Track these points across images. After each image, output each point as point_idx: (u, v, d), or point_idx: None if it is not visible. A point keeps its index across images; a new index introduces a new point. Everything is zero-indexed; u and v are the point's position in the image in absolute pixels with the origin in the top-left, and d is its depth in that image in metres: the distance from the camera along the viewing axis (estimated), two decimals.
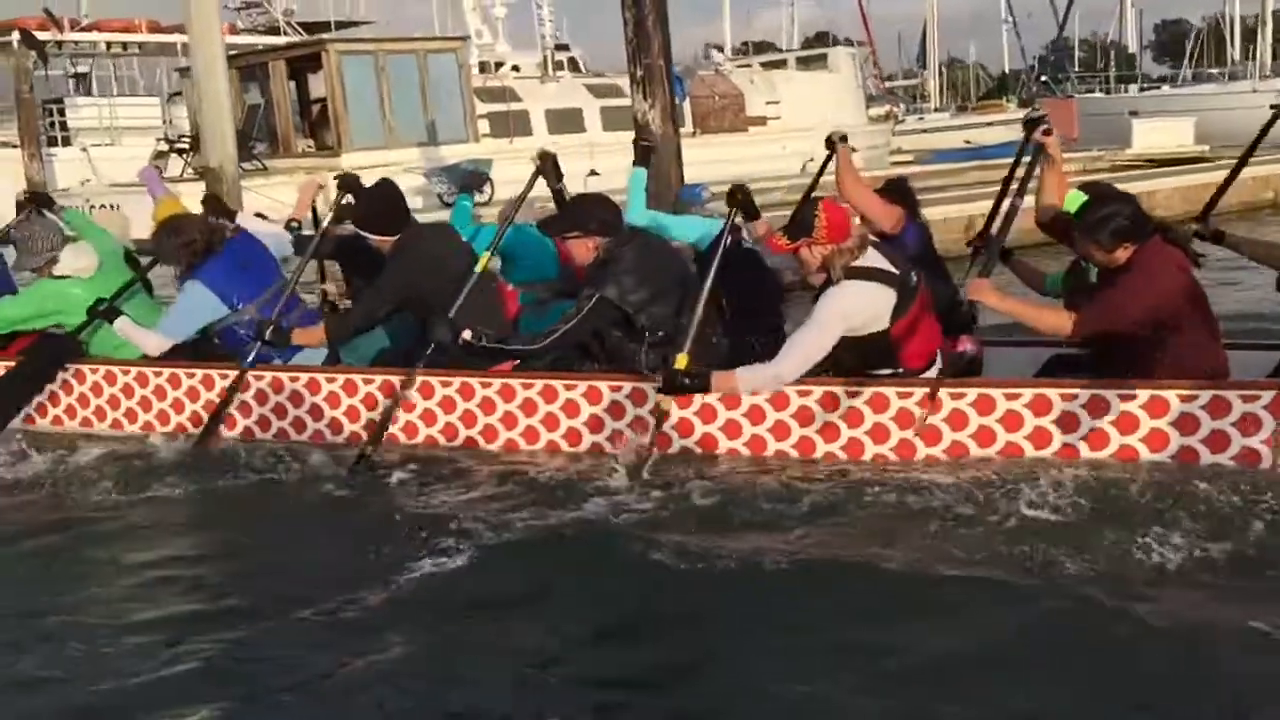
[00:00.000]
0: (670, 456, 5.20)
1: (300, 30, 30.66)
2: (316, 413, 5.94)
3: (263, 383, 5.95)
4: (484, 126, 20.55)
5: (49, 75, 25.97)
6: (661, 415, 5.07)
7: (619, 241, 5.29)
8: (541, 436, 5.53)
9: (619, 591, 4.04)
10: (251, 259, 6.07)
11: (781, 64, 28.30)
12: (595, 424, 5.41)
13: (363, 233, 5.80)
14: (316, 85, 21.03)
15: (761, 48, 46.65)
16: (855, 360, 4.85)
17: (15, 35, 23.02)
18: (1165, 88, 38.69)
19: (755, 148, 22.99)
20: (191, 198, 16.70)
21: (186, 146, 19.59)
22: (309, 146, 20.72)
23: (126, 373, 6.26)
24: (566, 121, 21.70)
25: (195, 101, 20.88)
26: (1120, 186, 5.30)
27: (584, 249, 5.34)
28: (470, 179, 7.23)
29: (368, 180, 6.09)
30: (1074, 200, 4.80)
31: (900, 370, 4.87)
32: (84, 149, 23.67)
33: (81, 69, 28.83)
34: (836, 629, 3.65)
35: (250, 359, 5.86)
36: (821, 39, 48.53)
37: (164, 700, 3.45)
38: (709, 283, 5.00)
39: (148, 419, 6.25)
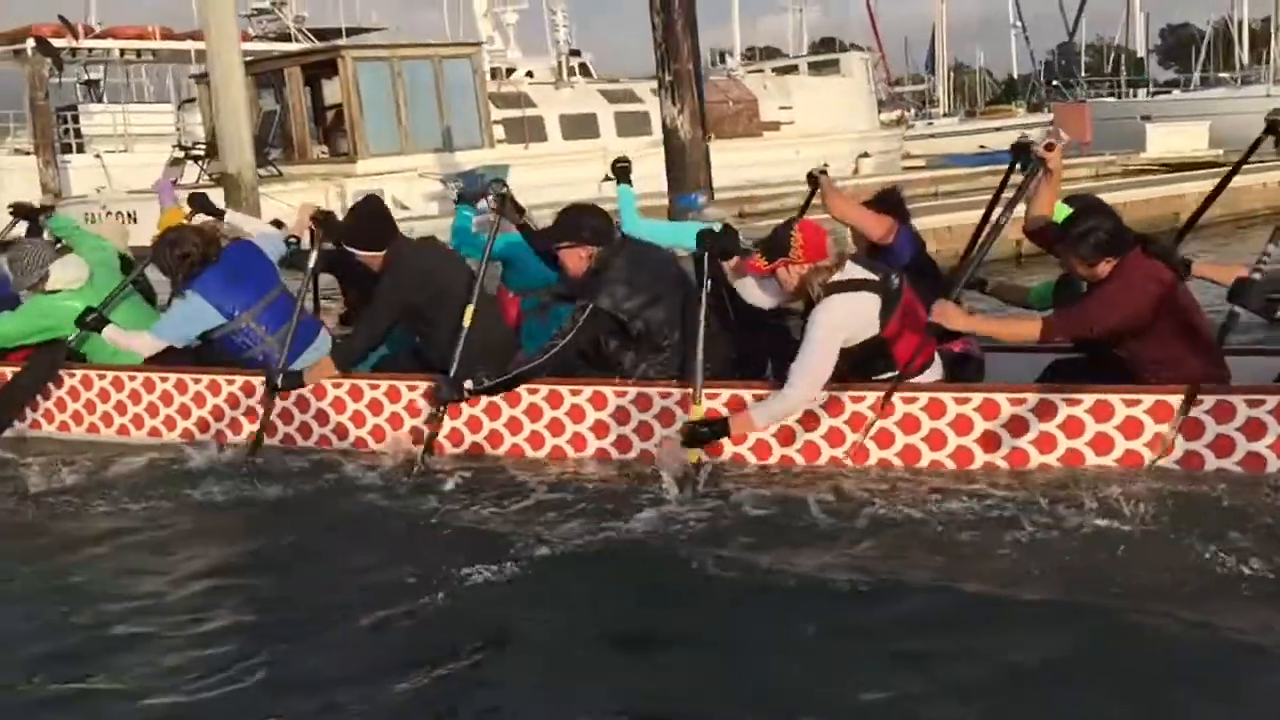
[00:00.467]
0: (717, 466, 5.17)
1: (311, 37, 30.64)
2: (359, 419, 5.91)
3: (305, 389, 5.94)
4: (499, 132, 20.53)
5: (61, 82, 25.99)
6: (698, 462, 5.03)
7: (611, 250, 5.31)
8: (589, 444, 5.50)
9: (666, 603, 3.99)
10: (248, 267, 6.10)
11: (793, 69, 28.31)
12: (645, 431, 5.38)
13: (350, 249, 5.81)
14: (331, 91, 21.01)
15: (767, 53, 46.64)
16: (855, 368, 4.90)
17: (30, 42, 23.07)
18: (1176, 92, 38.64)
19: (768, 153, 22.94)
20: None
21: (202, 153, 19.58)
22: (323, 153, 20.71)
23: (165, 380, 6.26)
24: (581, 127, 21.68)
25: (208, 108, 20.96)
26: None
27: (576, 258, 5.35)
28: (468, 193, 7.16)
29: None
30: (1063, 213, 4.92)
31: (899, 372, 4.90)
32: (98, 156, 23.68)
33: (93, 76, 28.85)
34: (896, 642, 3.60)
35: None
36: (827, 44, 48.51)
37: (216, 710, 3.44)
38: (701, 328, 5.01)
39: (187, 426, 6.24)
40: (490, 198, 5.67)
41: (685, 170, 9.15)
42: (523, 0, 28.23)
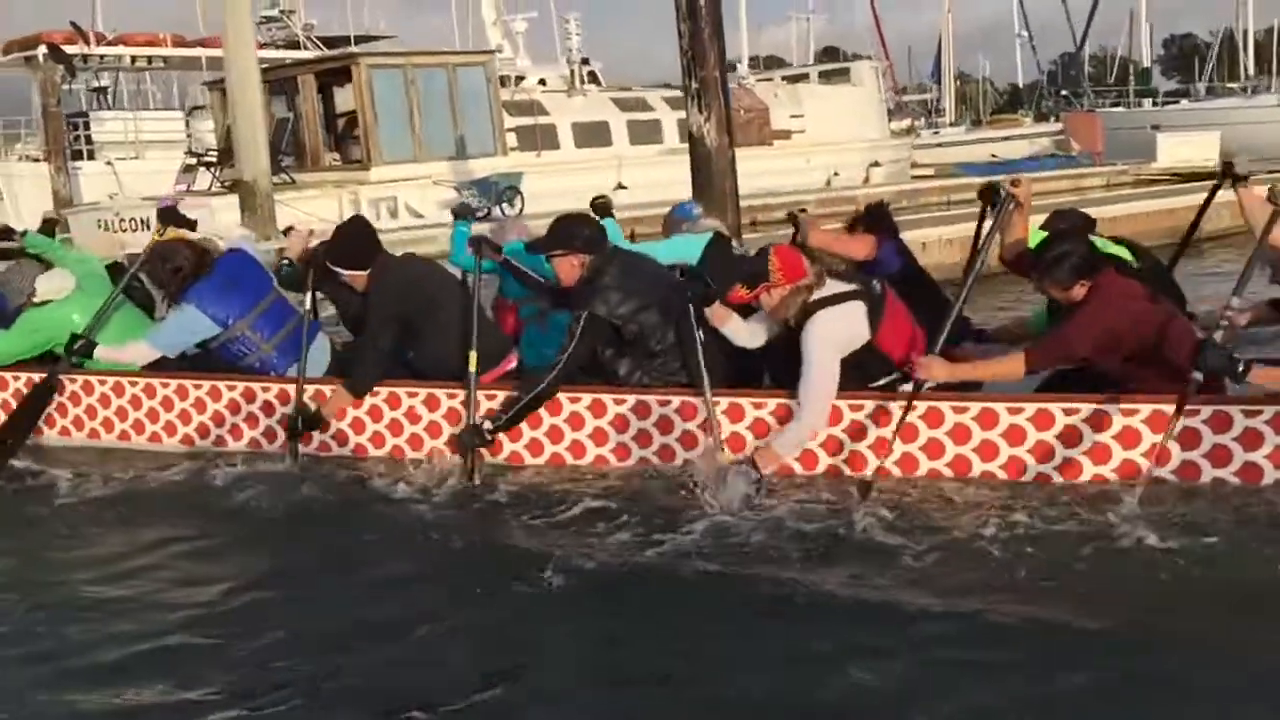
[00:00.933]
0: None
1: (319, 45, 30.65)
2: (396, 428, 5.86)
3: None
4: (511, 140, 20.51)
5: (72, 89, 25.98)
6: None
7: (603, 258, 5.36)
8: (633, 453, 5.45)
9: (704, 619, 3.92)
10: (241, 276, 6.12)
11: (803, 77, 28.28)
12: (689, 440, 5.35)
13: (334, 268, 5.83)
14: (343, 99, 21.01)
15: (769, 62, 46.67)
16: (853, 375, 4.97)
17: (42, 49, 23.06)
18: (1184, 102, 38.61)
19: (780, 161, 22.92)
20: (222, 211, 16.83)
21: (214, 160, 19.55)
22: (335, 160, 20.69)
23: (199, 387, 6.22)
24: (593, 135, 21.68)
25: (220, 115, 20.94)
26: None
27: (568, 266, 5.39)
28: (463, 207, 7.27)
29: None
30: (1038, 237, 5.01)
31: (898, 374, 4.96)
32: (109, 163, 23.66)
33: (102, 83, 28.83)
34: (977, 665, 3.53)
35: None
36: (831, 54, 48.56)
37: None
38: (705, 375, 5.15)
39: (220, 433, 6.21)
40: (470, 249, 5.73)
41: (711, 177, 9.09)
42: (532, 9, 28.33)
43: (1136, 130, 29.84)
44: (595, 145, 21.45)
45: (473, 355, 5.45)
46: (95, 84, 27.95)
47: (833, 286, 4.96)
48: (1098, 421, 4.85)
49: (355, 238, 5.89)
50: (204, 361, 6.19)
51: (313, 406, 5.80)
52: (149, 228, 17.50)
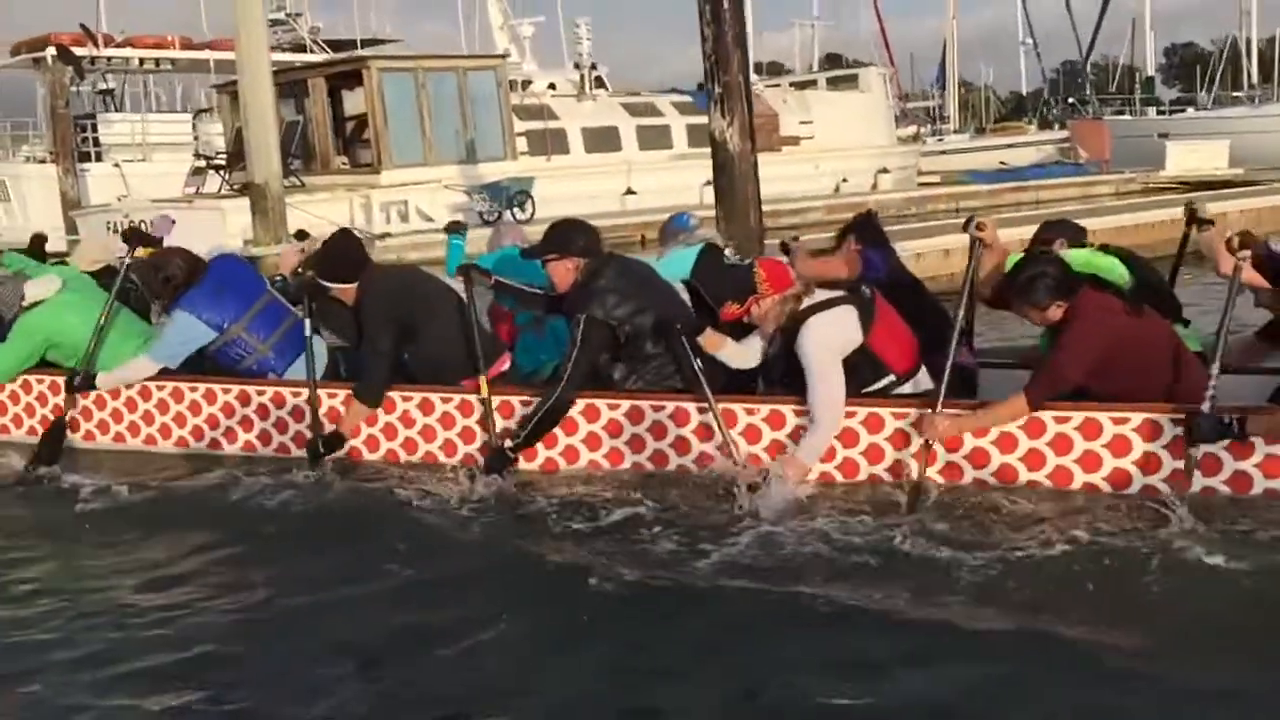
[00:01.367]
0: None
1: (326, 48, 30.63)
2: (429, 434, 5.79)
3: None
4: (521, 144, 20.47)
5: (80, 91, 25.92)
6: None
7: (599, 262, 5.37)
8: (671, 460, 5.39)
9: (741, 634, 3.84)
10: (233, 279, 6.17)
11: (812, 84, 28.26)
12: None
13: (323, 282, 5.83)
14: (352, 103, 20.96)
15: (771, 69, 46.68)
16: (851, 380, 4.98)
17: (51, 50, 23.00)
18: (1190, 110, 38.61)
19: (789, 167, 22.87)
20: (233, 214, 16.78)
21: (223, 163, 19.49)
22: (343, 163, 20.63)
23: (228, 391, 6.16)
24: (603, 140, 21.64)
25: (229, 117, 20.89)
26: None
27: (563, 270, 5.39)
28: (454, 224, 7.33)
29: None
30: (1014, 260, 5.00)
31: (894, 376, 5.00)
32: (117, 165, 23.59)
33: (109, 85, 28.76)
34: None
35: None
36: (834, 61, 48.52)
37: None
38: (711, 397, 5.17)
39: (249, 438, 6.15)
40: (460, 278, 5.72)
41: (733, 182, 9.03)
42: (538, 13, 28.30)
43: (1143, 138, 29.84)
44: (605, 150, 21.42)
45: (483, 380, 5.48)
46: (102, 86, 27.87)
47: (822, 294, 5.02)
48: (1148, 431, 4.78)
49: (342, 252, 5.89)
50: (201, 367, 6.17)
51: (329, 426, 5.77)
52: (173, 218, 17.53)
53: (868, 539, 4.49)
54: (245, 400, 6.12)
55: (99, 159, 24.15)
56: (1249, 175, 23.32)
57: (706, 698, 3.44)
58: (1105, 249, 5.73)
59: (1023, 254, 5.19)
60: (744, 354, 5.31)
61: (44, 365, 6.46)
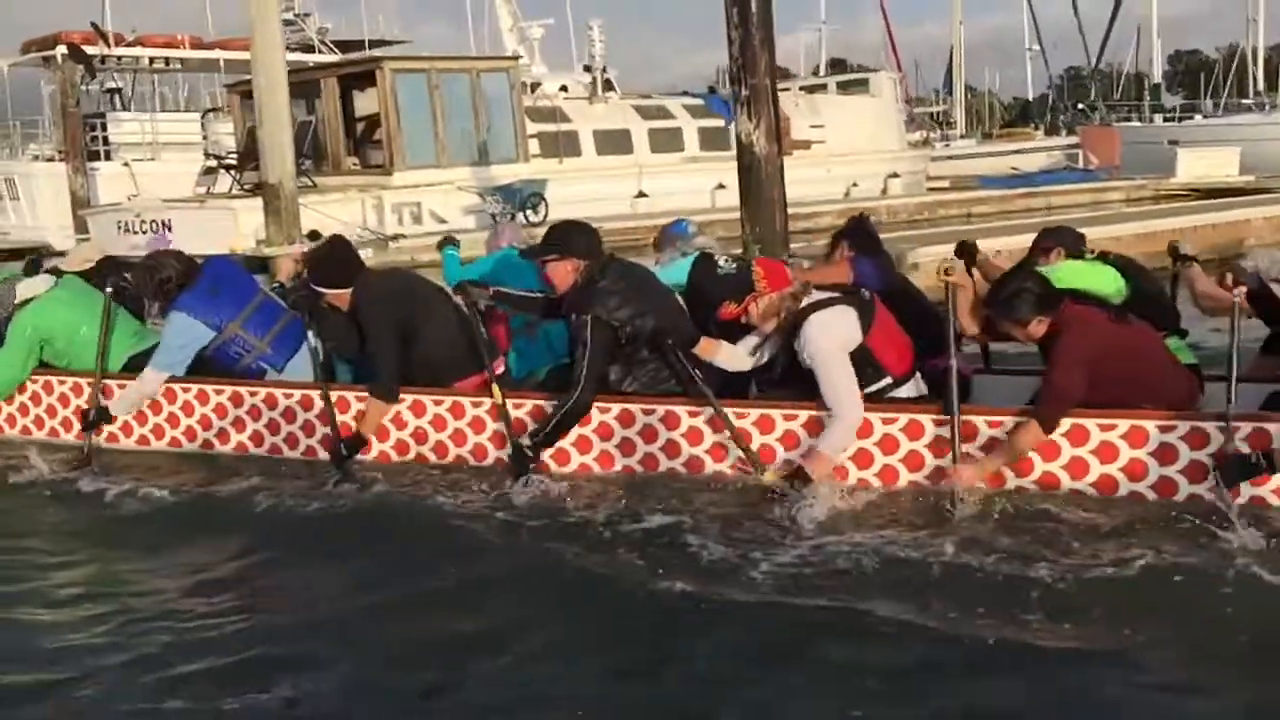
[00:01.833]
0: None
1: (334, 49, 30.60)
2: (460, 437, 5.74)
3: (404, 405, 5.79)
4: (533, 146, 20.41)
5: (89, 90, 25.87)
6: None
7: (600, 264, 5.36)
8: (707, 466, 5.35)
9: (775, 649, 3.77)
10: (227, 279, 6.21)
11: (822, 87, 28.19)
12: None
13: (318, 289, 5.83)
14: (362, 103, 20.87)
15: (778, 73, 46.40)
16: None
17: (61, 49, 22.97)
18: (1198, 117, 38.58)
19: (800, 171, 22.66)
20: (245, 214, 16.71)
21: (234, 163, 19.42)
22: (354, 164, 20.55)
23: (255, 394, 6.12)
24: (614, 143, 21.56)
25: (240, 117, 20.82)
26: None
27: (563, 271, 5.37)
28: (446, 239, 7.38)
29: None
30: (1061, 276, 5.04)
31: (891, 379, 5.01)
32: (126, 164, 23.54)
33: (116, 84, 28.73)
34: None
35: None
36: (838, 65, 48.47)
37: None
38: (714, 401, 5.19)
39: (276, 441, 6.10)
40: (458, 296, 5.72)
41: (760, 185, 9.01)
42: (546, 15, 28.25)
43: (1153, 145, 29.79)
44: (617, 153, 21.34)
45: (496, 389, 5.48)
46: (110, 85, 27.83)
47: (819, 294, 5.06)
48: (1194, 439, 4.74)
49: (335, 257, 5.89)
50: (201, 368, 6.17)
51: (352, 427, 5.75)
52: (169, 229, 17.47)
53: (916, 551, 4.41)
54: (262, 401, 6.08)
55: (108, 158, 24.11)
56: (1260, 183, 23.25)
57: (748, 712, 3.38)
58: (1105, 257, 5.70)
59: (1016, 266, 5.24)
60: (739, 357, 5.31)
61: (61, 367, 6.43)
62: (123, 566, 4.77)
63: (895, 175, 25.06)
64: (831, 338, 4.93)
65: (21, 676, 3.70)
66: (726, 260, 6.04)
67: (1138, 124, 34.96)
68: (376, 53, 24.04)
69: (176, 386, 6.25)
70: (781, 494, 4.94)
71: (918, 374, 5.16)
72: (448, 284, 6.44)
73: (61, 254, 8.08)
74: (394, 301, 5.73)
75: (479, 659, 3.78)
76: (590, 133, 21.34)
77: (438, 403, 5.73)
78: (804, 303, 5.00)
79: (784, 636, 3.81)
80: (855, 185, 24.18)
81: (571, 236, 5.45)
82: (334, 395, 5.82)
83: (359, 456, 5.77)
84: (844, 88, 27.94)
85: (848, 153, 24.23)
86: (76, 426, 6.37)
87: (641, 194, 20.81)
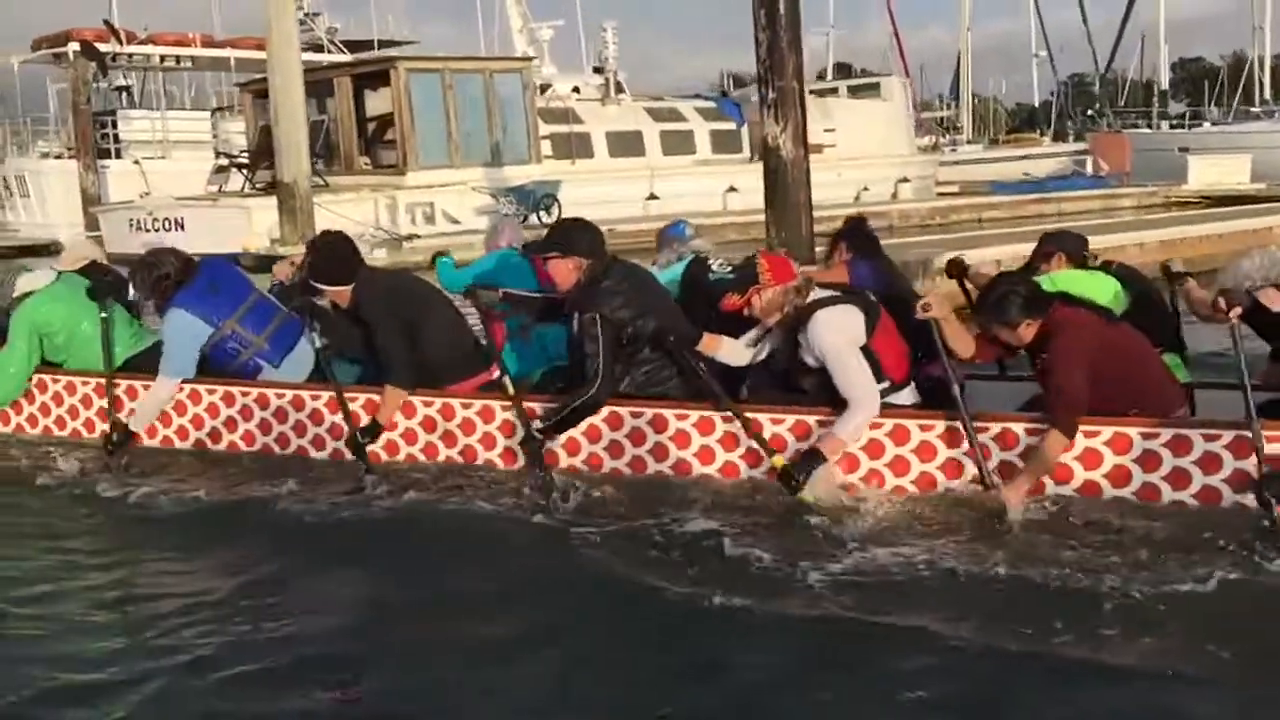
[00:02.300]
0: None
1: (343, 49, 30.63)
2: (489, 441, 5.71)
3: (432, 409, 5.76)
4: (546, 148, 20.42)
5: (100, 87, 25.90)
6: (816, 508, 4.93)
7: (603, 264, 5.33)
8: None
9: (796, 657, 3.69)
10: (223, 279, 6.20)
11: (833, 91, 28.21)
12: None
13: (316, 284, 5.79)
14: (374, 103, 20.89)
15: None
16: None
17: (73, 46, 22.98)
18: (1207, 125, 38.58)
19: (812, 175, 22.80)
20: (258, 212, 16.71)
21: (246, 162, 19.44)
22: (365, 164, 20.56)
23: (281, 396, 6.07)
24: (626, 145, 21.58)
25: (253, 116, 20.84)
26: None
27: (565, 269, 5.32)
28: (439, 253, 7.40)
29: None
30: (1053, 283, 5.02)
31: (889, 383, 4.94)
32: (136, 161, 23.55)
33: (125, 81, 28.76)
34: None
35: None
36: (844, 70, 48.55)
37: None
38: (722, 394, 5.14)
39: (301, 442, 6.07)
40: (469, 301, 5.67)
41: (786, 188, 8.98)
42: (553, 17, 28.26)
43: (1162, 152, 29.79)
44: (629, 155, 21.36)
45: (507, 380, 5.43)
46: (119, 83, 27.86)
47: (824, 292, 5.02)
48: (1238, 448, 4.69)
49: (336, 254, 5.82)
50: (199, 365, 6.11)
51: (365, 418, 5.71)
52: (182, 228, 17.48)
53: (969, 563, 4.28)
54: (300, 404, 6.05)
55: (118, 156, 24.11)
56: (1272, 190, 23.25)
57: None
58: (1108, 266, 5.66)
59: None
60: (740, 352, 5.29)
61: (59, 364, 6.42)
62: (160, 568, 4.69)
63: (905, 180, 25.08)
64: (841, 331, 4.89)
65: (77, 677, 3.66)
66: (720, 264, 6.04)
67: (1147, 131, 34.99)
68: (391, 52, 24.02)
69: (201, 388, 6.22)
70: (790, 478, 4.84)
71: (913, 382, 5.12)
72: (449, 290, 6.42)
73: (56, 254, 8.07)
74: (398, 297, 5.70)
75: (524, 663, 3.72)
76: (603, 134, 21.36)
77: (466, 405, 5.68)
78: (809, 299, 4.95)
79: (835, 649, 3.71)
80: (866, 189, 24.20)
81: (574, 235, 5.37)
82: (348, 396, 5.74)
83: (386, 459, 5.73)
84: (855, 92, 27.95)
85: (858, 156, 24.25)
86: (100, 426, 6.34)
87: (653, 196, 20.80)
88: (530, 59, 22.79)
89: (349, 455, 5.78)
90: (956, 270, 6.06)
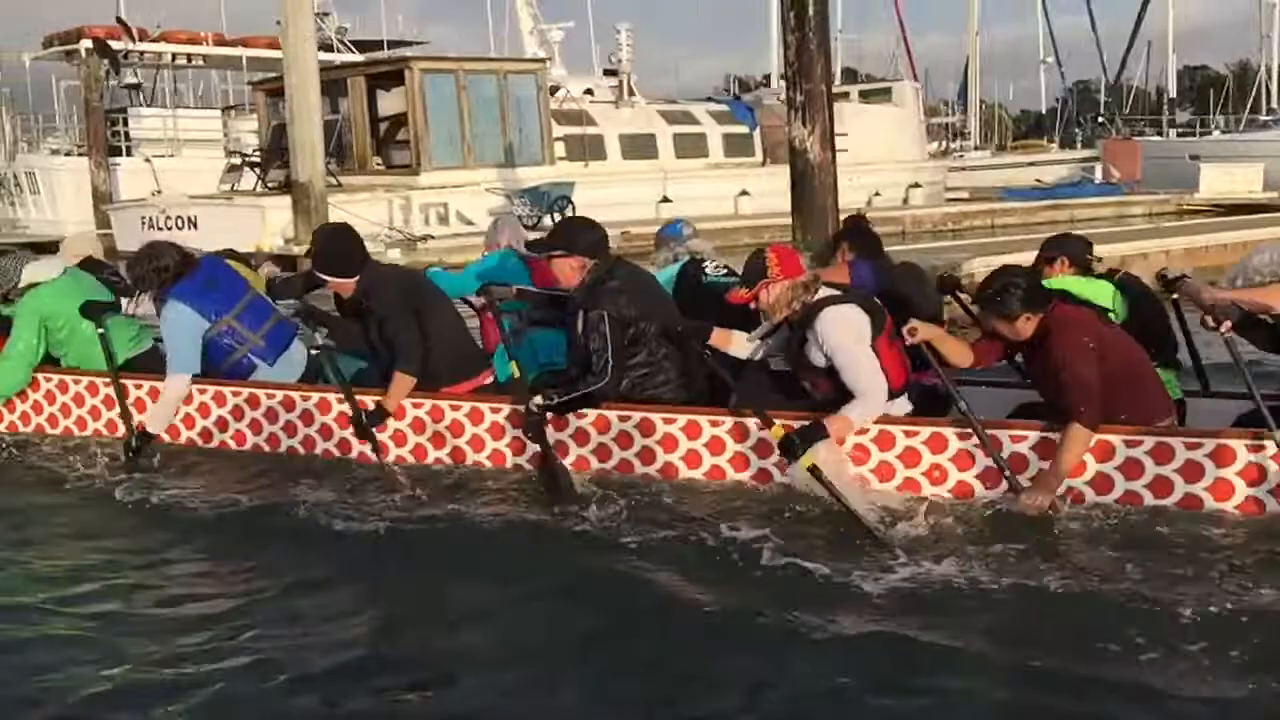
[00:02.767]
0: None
1: (352, 48, 30.62)
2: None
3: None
4: (559, 149, 20.39)
5: (111, 85, 25.88)
6: (816, 476, 4.84)
7: (608, 263, 5.34)
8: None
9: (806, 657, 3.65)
10: (219, 277, 6.22)
11: (844, 96, 28.14)
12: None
13: (321, 275, 5.78)
14: (387, 103, 20.86)
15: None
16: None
17: (86, 43, 22.95)
18: (1215, 133, 38.56)
19: None
20: (272, 211, 16.68)
21: (259, 160, 19.40)
22: (378, 164, 20.53)
23: (307, 399, 6.03)
24: (640, 147, 21.54)
25: (266, 115, 20.81)
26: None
27: (569, 268, 5.33)
28: (435, 267, 7.41)
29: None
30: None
31: (889, 390, 4.90)
32: (147, 159, 23.52)
33: (136, 79, 28.72)
34: None
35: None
36: (849, 75, 48.45)
37: None
38: (735, 385, 5.13)
39: (328, 445, 6.02)
40: (483, 299, 5.69)
41: (812, 192, 8.91)
42: (564, 18, 28.24)
43: (1173, 159, 29.74)
44: (642, 157, 21.32)
45: (514, 364, 5.45)
46: (129, 80, 27.83)
47: (832, 291, 5.02)
48: None
49: (344, 246, 5.83)
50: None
51: (370, 404, 5.67)
52: (195, 226, 17.44)
53: (1024, 577, 4.20)
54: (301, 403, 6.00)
55: (129, 153, 24.08)
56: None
57: None
58: (1111, 275, 5.59)
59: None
60: (747, 345, 5.31)
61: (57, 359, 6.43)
62: (189, 570, 4.64)
63: (917, 185, 25.04)
64: (849, 326, 4.87)
65: (128, 676, 3.64)
66: (716, 266, 5.99)
67: (1157, 138, 34.95)
68: (406, 53, 24.00)
69: (227, 390, 6.18)
70: (790, 445, 4.73)
71: (906, 392, 5.08)
72: (454, 294, 6.33)
73: (54, 251, 8.04)
74: (406, 287, 5.73)
75: (566, 669, 3.68)
76: (616, 136, 21.33)
77: (496, 410, 5.61)
78: (816, 296, 4.94)
79: (888, 662, 3.62)
80: (877, 194, 24.15)
81: (578, 234, 5.38)
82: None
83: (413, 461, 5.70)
84: (866, 96, 27.90)
85: (869, 161, 24.20)
86: (122, 427, 6.30)
87: (666, 199, 20.77)
88: (544, 60, 22.77)
89: (358, 448, 5.75)
90: (949, 286, 6.00)
